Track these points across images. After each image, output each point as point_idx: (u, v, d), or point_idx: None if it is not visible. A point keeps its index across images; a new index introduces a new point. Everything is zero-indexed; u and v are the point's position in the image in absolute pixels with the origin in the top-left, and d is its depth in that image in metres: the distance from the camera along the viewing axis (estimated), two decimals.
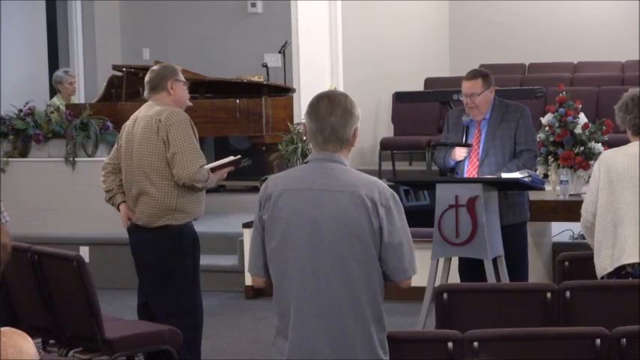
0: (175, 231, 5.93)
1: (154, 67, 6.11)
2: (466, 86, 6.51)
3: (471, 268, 6.37)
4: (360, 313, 3.75)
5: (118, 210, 6.10)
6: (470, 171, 6.54)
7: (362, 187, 3.77)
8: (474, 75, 6.54)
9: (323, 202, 3.77)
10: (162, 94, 5.99)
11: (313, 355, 3.75)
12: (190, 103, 6.16)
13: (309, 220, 3.77)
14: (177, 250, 5.94)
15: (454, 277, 6.54)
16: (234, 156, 6.28)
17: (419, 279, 6.80)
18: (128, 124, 6.07)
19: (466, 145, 6.51)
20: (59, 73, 11.20)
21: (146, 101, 6.12)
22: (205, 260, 6.92)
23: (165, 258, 5.93)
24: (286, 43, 11.98)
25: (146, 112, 5.98)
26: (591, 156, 7.72)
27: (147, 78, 6.05)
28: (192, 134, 5.90)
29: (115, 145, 6.22)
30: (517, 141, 6.51)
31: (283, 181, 3.88)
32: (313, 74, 11.68)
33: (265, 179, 5.00)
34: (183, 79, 6.07)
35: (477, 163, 6.52)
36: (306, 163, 3.91)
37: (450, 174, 6.63)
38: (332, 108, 3.81)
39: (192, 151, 5.86)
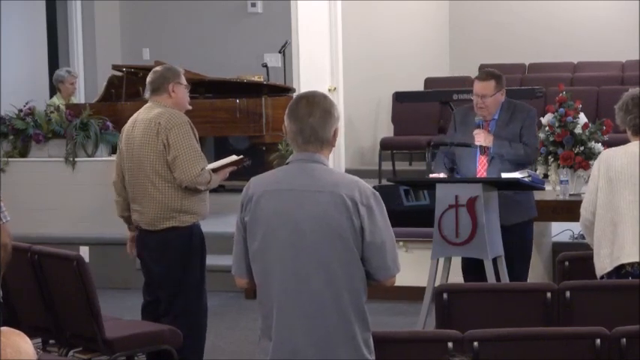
0: (185, 232, 5.92)
1: (157, 68, 6.07)
2: (478, 87, 6.47)
3: (474, 267, 6.37)
4: (343, 313, 3.75)
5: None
6: (480, 172, 6.55)
7: (342, 187, 3.76)
8: (487, 76, 6.47)
9: (304, 203, 3.76)
10: (163, 96, 5.96)
11: (297, 355, 3.75)
12: (190, 107, 6.12)
13: (290, 221, 3.76)
14: (188, 251, 5.94)
15: (454, 277, 6.54)
16: (237, 155, 6.26)
17: (419, 279, 6.85)
18: (127, 126, 6.04)
19: (466, 145, 6.50)
20: (61, 72, 11.18)
21: (146, 101, 6.11)
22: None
23: (176, 259, 5.92)
24: (286, 43, 11.97)
25: (145, 114, 5.95)
26: (591, 156, 7.72)
27: (149, 79, 6.02)
28: (192, 137, 5.88)
29: (117, 153, 6.17)
30: (521, 140, 6.51)
31: (264, 182, 3.88)
32: (313, 74, 11.70)
33: None
34: (185, 82, 6.04)
35: (486, 165, 6.52)
36: (287, 164, 3.91)
37: (450, 174, 6.62)
38: (311, 109, 3.80)
39: (192, 154, 5.84)
